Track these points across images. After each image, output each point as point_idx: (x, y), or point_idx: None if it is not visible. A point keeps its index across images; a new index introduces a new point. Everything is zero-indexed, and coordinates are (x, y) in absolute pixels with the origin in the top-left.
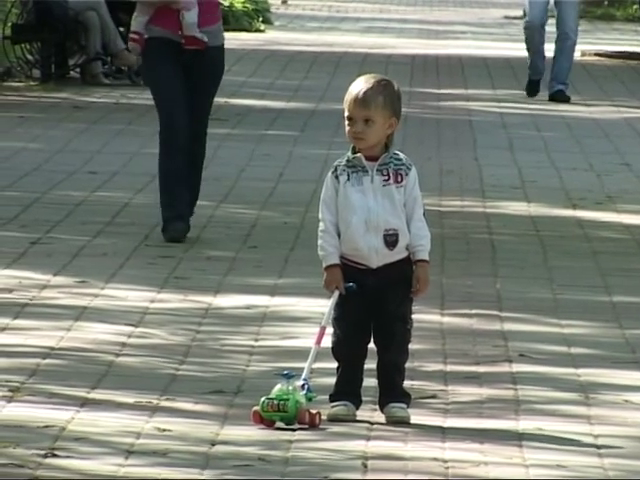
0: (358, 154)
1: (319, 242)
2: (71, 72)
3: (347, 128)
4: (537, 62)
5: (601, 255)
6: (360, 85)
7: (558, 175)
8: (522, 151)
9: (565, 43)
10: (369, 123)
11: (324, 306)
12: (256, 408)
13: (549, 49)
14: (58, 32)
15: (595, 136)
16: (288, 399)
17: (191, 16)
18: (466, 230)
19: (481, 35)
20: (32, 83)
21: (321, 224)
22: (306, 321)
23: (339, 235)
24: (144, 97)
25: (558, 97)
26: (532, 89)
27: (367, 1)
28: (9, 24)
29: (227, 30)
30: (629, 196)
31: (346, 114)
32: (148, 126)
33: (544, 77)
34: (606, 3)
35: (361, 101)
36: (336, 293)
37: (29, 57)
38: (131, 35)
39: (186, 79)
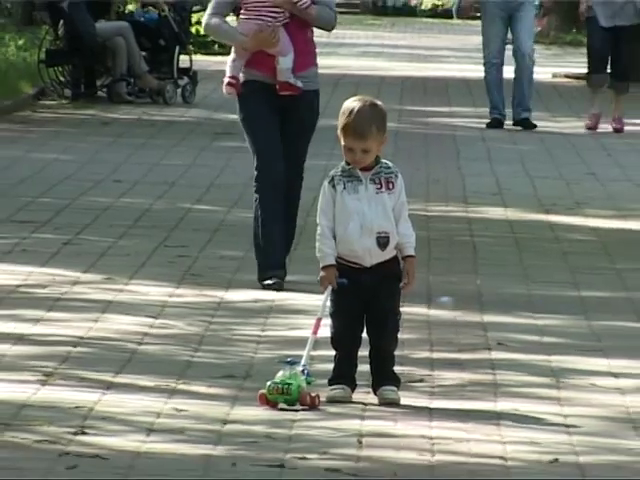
0: (351, 165)
1: (317, 245)
2: (99, 92)
3: (346, 152)
4: (496, 101)
5: (570, 255)
6: (354, 114)
7: (532, 183)
8: (499, 162)
9: (523, 69)
10: (367, 151)
11: (321, 300)
12: (262, 391)
13: (508, 70)
14: (87, 56)
15: (564, 149)
16: (291, 383)
17: (286, 62)
18: (450, 233)
19: (463, 59)
20: (64, 101)
21: (319, 228)
22: (307, 314)
23: (335, 238)
24: (163, 114)
25: (524, 124)
26: (495, 125)
27: (362, 29)
28: (44, 49)
29: None
30: (595, 202)
31: (343, 143)
32: (167, 140)
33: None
34: (574, 30)
35: (359, 135)
36: (329, 289)
37: (61, 79)
38: (227, 79)
39: (281, 123)
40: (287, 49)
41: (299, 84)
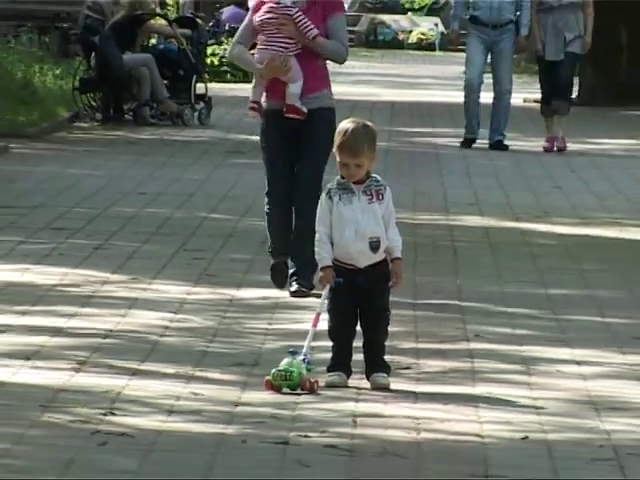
0: (346, 179)
1: (316, 249)
2: (125, 115)
3: (341, 168)
4: (472, 122)
5: (539, 257)
6: (348, 134)
7: (505, 195)
8: (477, 176)
9: (501, 101)
10: (360, 166)
11: (321, 298)
12: (268, 377)
13: (486, 96)
14: (115, 84)
15: (533, 165)
16: (293, 371)
17: (295, 87)
18: (433, 238)
19: (445, 86)
20: (95, 124)
21: (317, 235)
22: (308, 309)
23: (332, 243)
24: (182, 135)
25: (498, 146)
26: (467, 144)
27: (356, 59)
28: (77, 78)
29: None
30: (560, 211)
31: (339, 159)
32: (185, 157)
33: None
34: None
35: (353, 152)
36: (327, 287)
37: (93, 104)
38: (251, 105)
39: (299, 143)
40: (297, 77)
41: (304, 109)
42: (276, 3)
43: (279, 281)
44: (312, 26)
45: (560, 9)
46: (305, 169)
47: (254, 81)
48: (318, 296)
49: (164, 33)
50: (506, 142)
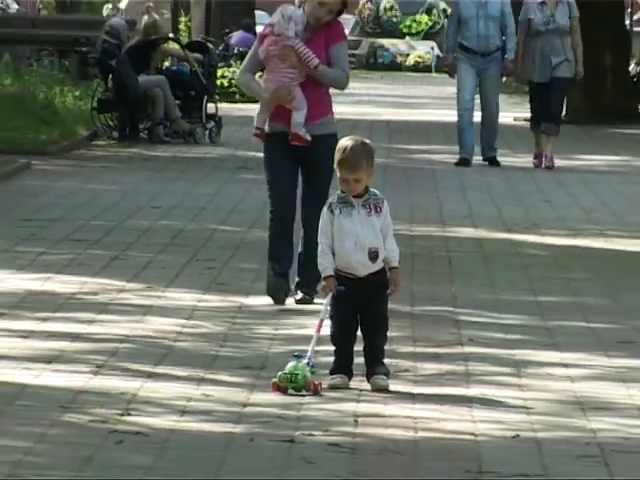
0: (346, 193)
1: (319, 259)
2: (141, 134)
3: (342, 183)
4: (467, 143)
5: (529, 267)
6: (348, 151)
7: (497, 208)
8: (471, 191)
9: (490, 121)
10: (358, 181)
11: (324, 305)
12: (274, 380)
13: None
14: (131, 105)
15: (524, 180)
16: (298, 373)
17: (299, 116)
18: (429, 249)
19: (440, 106)
20: (112, 142)
21: (319, 246)
22: (312, 316)
23: (333, 254)
24: (194, 152)
25: (492, 161)
26: (463, 163)
27: (357, 81)
28: (96, 99)
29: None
30: (549, 224)
31: (339, 175)
32: (196, 173)
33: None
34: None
35: (351, 168)
36: (329, 295)
37: (110, 123)
38: (255, 131)
39: (302, 165)
40: (301, 105)
41: (308, 137)
42: (278, 35)
43: (278, 299)
44: (313, 56)
45: (547, 34)
46: (311, 190)
47: (259, 107)
48: (321, 304)
49: (177, 56)
50: (498, 158)
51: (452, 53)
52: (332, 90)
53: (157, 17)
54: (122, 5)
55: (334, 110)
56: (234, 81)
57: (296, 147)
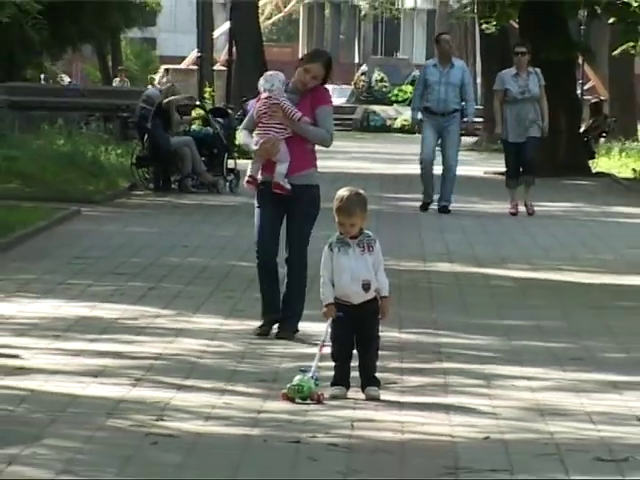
0: (343, 235)
1: (321, 290)
2: (172, 185)
3: (339, 226)
4: (428, 190)
5: (497, 296)
6: (344, 200)
7: (470, 247)
8: (448, 232)
9: (448, 175)
10: (353, 225)
11: (325, 327)
12: (284, 391)
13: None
14: (164, 161)
15: (493, 223)
16: (304, 385)
17: (281, 168)
18: (414, 281)
19: None
20: (148, 192)
21: (322, 278)
22: (316, 337)
23: (333, 285)
24: (216, 200)
25: (443, 210)
26: (424, 208)
27: (353, 140)
28: (134, 156)
29: None
30: (514, 259)
31: (337, 220)
32: (218, 218)
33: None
34: (499, 141)
35: (347, 214)
36: (330, 320)
37: (147, 176)
38: (247, 178)
39: (288, 213)
40: (284, 158)
41: (287, 186)
42: (268, 98)
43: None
44: (296, 110)
45: (522, 101)
46: (294, 236)
47: (253, 158)
48: (322, 324)
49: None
50: (470, 205)
51: (417, 112)
52: (332, 149)
53: (176, 85)
54: (157, 77)
55: (334, 165)
56: None
57: (281, 196)
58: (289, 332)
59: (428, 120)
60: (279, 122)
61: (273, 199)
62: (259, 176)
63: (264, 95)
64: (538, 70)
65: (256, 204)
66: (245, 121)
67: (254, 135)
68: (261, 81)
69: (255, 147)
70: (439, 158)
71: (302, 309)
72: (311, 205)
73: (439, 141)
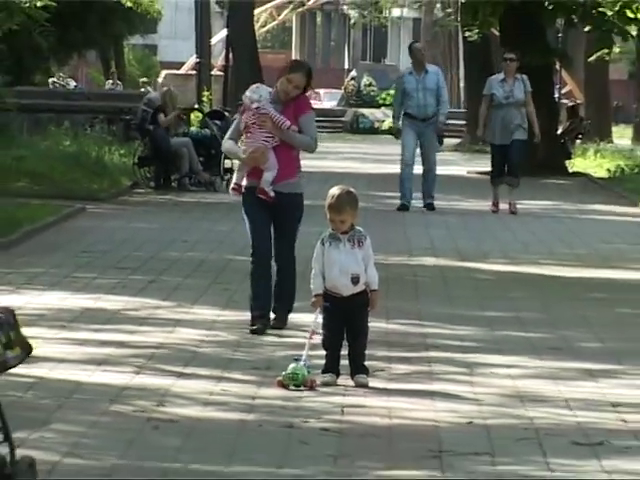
0: (335, 231)
1: (311, 281)
2: (172, 184)
3: (330, 222)
4: (406, 193)
5: (479, 288)
6: (335, 198)
7: (454, 242)
8: (432, 228)
9: (429, 175)
10: (343, 222)
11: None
12: (279, 378)
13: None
14: (164, 161)
15: (475, 220)
16: (298, 373)
17: (268, 175)
18: (400, 274)
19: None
20: (149, 190)
21: (313, 270)
22: (307, 328)
23: (324, 278)
24: (213, 198)
25: (428, 207)
26: (402, 209)
27: (343, 142)
28: (136, 156)
29: None
30: (496, 253)
31: (329, 217)
32: (215, 215)
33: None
34: (481, 143)
35: (338, 212)
36: (318, 309)
37: (148, 175)
38: (233, 185)
39: (274, 217)
40: (272, 166)
41: (271, 194)
42: (256, 109)
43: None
44: (284, 119)
45: (507, 106)
46: (281, 240)
47: (238, 166)
48: (312, 315)
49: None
50: (454, 203)
51: (398, 119)
52: (324, 149)
53: (172, 88)
54: (159, 79)
55: (326, 165)
56: None
57: (266, 201)
58: (282, 323)
59: (409, 125)
60: (268, 132)
61: (259, 203)
62: (244, 182)
63: (254, 106)
64: (525, 77)
65: (243, 210)
66: (231, 131)
67: (240, 144)
68: (247, 93)
69: (243, 156)
70: (419, 158)
71: (293, 304)
72: (296, 209)
73: (418, 144)
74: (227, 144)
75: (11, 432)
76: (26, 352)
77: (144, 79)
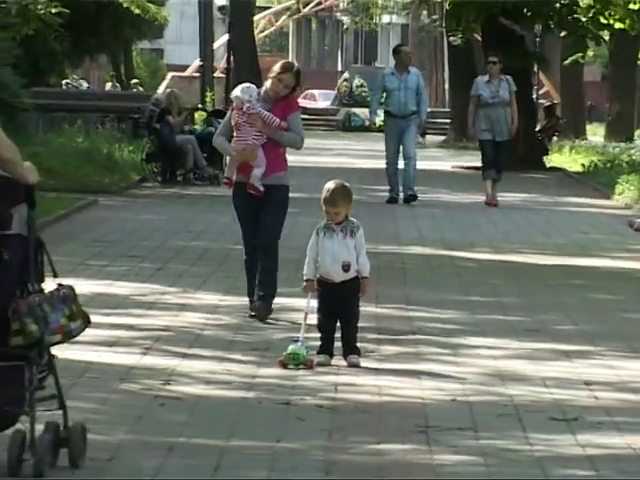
0: (329, 222)
1: (304, 267)
2: (177, 178)
3: (325, 214)
4: (394, 186)
5: (463, 275)
6: (330, 191)
7: (440, 232)
8: (420, 219)
9: (409, 167)
10: (338, 213)
11: (306, 301)
12: (280, 358)
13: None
14: (170, 157)
15: (460, 212)
16: (299, 354)
17: (258, 171)
18: (390, 262)
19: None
20: (156, 184)
21: (307, 258)
22: (301, 310)
23: (317, 265)
24: (216, 191)
25: (410, 199)
26: (392, 201)
27: (336, 139)
28: (144, 152)
29: None
30: (479, 243)
31: (324, 208)
32: (219, 207)
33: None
34: (464, 140)
35: (332, 204)
36: (309, 294)
37: (155, 170)
38: (224, 180)
39: (261, 208)
40: (261, 162)
41: (261, 189)
42: (247, 108)
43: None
44: (274, 117)
45: (493, 105)
46: (266, 227)
47: (229, 161)
48: (305, 299)
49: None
50: (440, 196)
51: (375, 114)
52: (319, 146)
53: (175, 90)
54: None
55: (321, 161)
56: None
57: (255, 195)
58: (266, 310)
59: (390, 124)
60: (257, 130)
61: (248, 197)
62: (234, 177)
63: (245, 106)
64: (509, 77)
65: (233, 204)
66: (221, 128)
67: (232, 141)
68: (237, 93)
69: (234, 153)
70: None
71: (275, 292)
72: (282, 200)
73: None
74: (218, 140)
75: (65, 400)
76: (85, 323)
77: (134, 80)
